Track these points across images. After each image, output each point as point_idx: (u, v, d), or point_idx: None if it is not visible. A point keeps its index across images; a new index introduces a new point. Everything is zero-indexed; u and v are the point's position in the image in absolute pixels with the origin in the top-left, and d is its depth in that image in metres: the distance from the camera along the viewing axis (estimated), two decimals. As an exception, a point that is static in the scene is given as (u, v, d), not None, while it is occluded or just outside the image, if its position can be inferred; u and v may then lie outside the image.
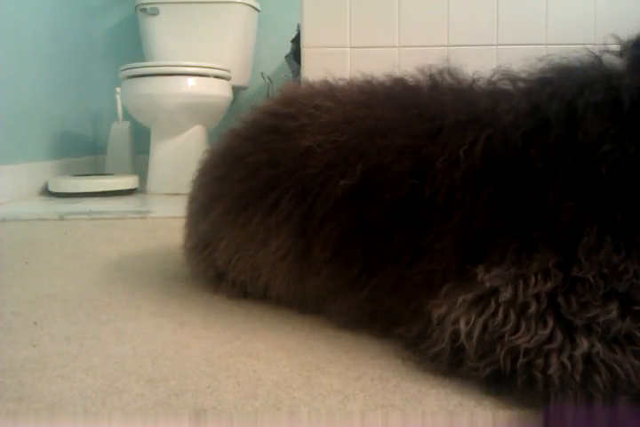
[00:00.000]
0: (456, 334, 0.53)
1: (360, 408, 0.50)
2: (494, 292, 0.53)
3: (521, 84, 0.63)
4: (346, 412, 0.49)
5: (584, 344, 0.48)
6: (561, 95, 0.57)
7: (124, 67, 2.25)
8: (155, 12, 2.55)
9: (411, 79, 0.73)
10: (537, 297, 0.51)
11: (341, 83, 0.81)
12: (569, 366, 0.47)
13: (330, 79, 0.83)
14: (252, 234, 0.75)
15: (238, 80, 2.59)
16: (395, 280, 0.62)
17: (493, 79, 0.66)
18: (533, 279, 0.52)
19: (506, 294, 0.52)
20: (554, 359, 0.48)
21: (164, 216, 1.67)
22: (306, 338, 0.66)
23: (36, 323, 0.73)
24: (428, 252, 0.60)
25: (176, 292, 0.86)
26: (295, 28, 2.31)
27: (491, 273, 0.54)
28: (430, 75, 0.72)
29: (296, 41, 2.23)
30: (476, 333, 0.52)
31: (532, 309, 0.51)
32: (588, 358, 0.47)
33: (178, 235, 1.36)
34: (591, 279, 0.50)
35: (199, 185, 0.89)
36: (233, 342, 0.66)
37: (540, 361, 0.48)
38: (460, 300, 0.55)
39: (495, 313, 0.52)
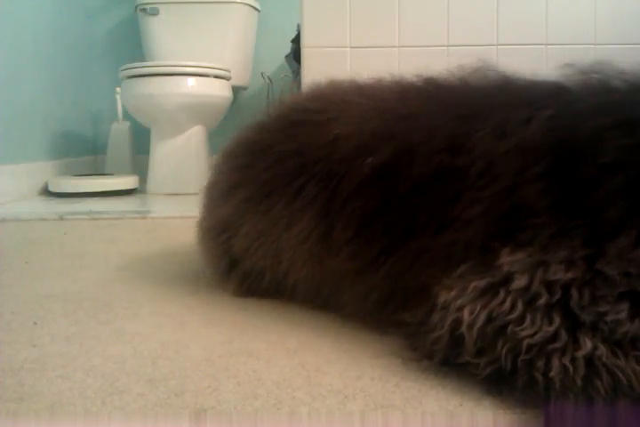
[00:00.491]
0: (457, 322, 0.53)
1: (360, 408, 0.50)
2: (508, 279, 0.52)
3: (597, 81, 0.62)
4: (346, 412, 0.49)
5: (587, 345, 0.47)
6: None
7: (124, 67, 2.25)
8: (155, 12, 2.55)
9: (443, 78, 0.73)
10: (550, 287, 0.51)
11: (370, 82, 0.82)
12: (571, 369, 0.47)
13: (357, 78, 0.83)
14: (274, 220, 0.75)
15: (238, 80, 2.59)
16: (414, 255, 0.61)
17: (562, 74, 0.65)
18: (554, 267, 0.51)
19: (519, 282, 0.51)
20: (555, 361, 0.47)
21: (164, 216, 1.67)
22: (306, 338, 0.66)
23: (35, 323, 0.73)
24: (453, 221, 0.59)
25: (176, 292, 0.86)
26: (295, 28, 2.31)
27: (513, 257, 0.53)
28: (464, 73, 0.72)
29: (296, 41, 2.23)
30: (479, 324, 0.51)
31: (542, 300, 0.50)
32: (590, 362, 0.47)
33: (178, 235, 1.36)
34: (615, 276, 0.50)
35: (220, 172, 0.89)
36: (233, 342, 0.66)
37: (540, 363, 0.48)
38: (471, 286, 0.54)
39: (503, 302, 0.51)
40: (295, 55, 2.22)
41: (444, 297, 0.55)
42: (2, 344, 0.66)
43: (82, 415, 0.49)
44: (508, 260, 0.53)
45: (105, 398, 0.52)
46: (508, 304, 0.51)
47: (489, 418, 0.48)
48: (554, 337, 0.48)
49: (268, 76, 2.75)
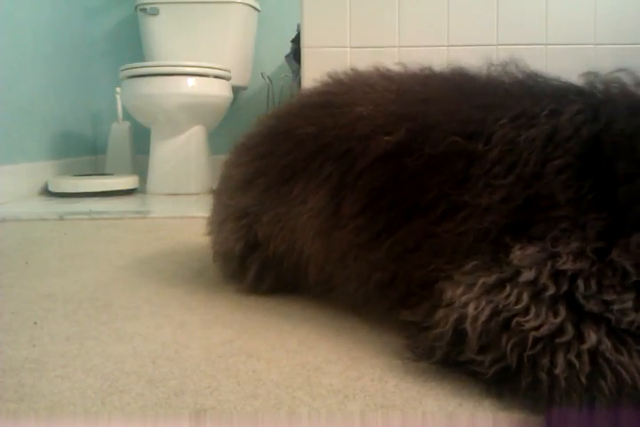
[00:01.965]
0: (461, 317, 0.52)
1: (360, 408, 0.50)
2: (516, 274, 0.52)
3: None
4: (346, 412, 0.49)
5: (592, 339, 0.47)
6: None
7: (123, 67, 2.25)
8: (155, 12, 2.55)
9: (470, 70, 0.74)
10: (557, 278, 0.50)
11: (394, 69, 0.83)
12: (576, 366, 0.46)
13: (379, 67, 0.84)
14: (293, 201, 0.75)
15: (238, 80, 2.59)
16: (418, 238, 0.61)
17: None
18: (563, 258, 0.51)
19: (527, 275, 0.51)
20: (560, 357, 0.47)
21: (164, 216, 1.67)
22: (306, 338, 0.66)
23: (35, 323, 0.73)
24: (462, 207, 0.59)
25: (176, 292, 0.86)
26: (295, 28, 2.30)
27: (524, 251, 0.53)
28: (491, 68, 0.72)
29: (296, 41, 2.23)
30: (483, 318, 0.51)
31: (549, 292, 0.50)
32: (594, 358, 0.47)
33: (178, 235, 1.36)
34: (627, 267, 0.49)
35: (236, 165, 0.89)
36: (233, 342, 0.66)
37: (545, 360, 0.47)
38: (479, 282, 0.53)
39: (509, 295, 0.51)
40: (295, 55, 2.22)
41: (450, 294, 0.55)
42: (2, 344, 0.66)
43: (82, 415, 0.49)
44: (519, 254, 0.53)
45: (105, 398, 0.52)
46: (513, 297, 0.51)
47: (489, 419, 0.48)
48: (560, 330, 0.48)
49: (268, 76, 2.75)
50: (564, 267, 0.51)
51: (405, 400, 0.51)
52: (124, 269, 1.01)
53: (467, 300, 0.53)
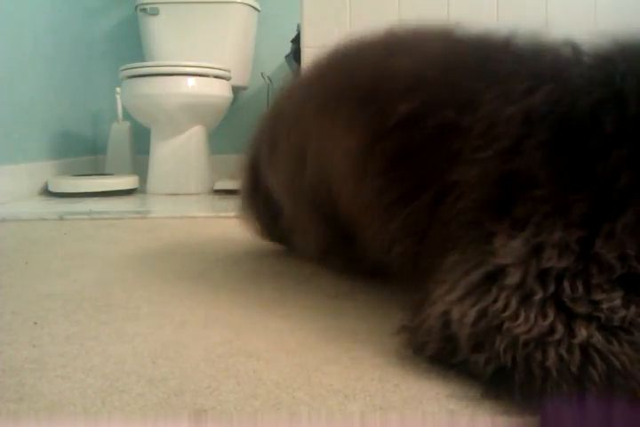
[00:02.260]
0: (447, 318, 0.52)
1: (360, 409, 0.50)
2: (501, 273, 0.52)
3: (587, 57, 0.62)
4: (346, 412, 0.49)
5: (583, 334, 0.47)
6: (633, 73, 0.55)
7: (123, 67, 2.25)
8: (155, 12, 2.55)
9: (493, 35, 0.73)
10: (544, 279, 0.50)
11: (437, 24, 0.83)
12: (566, 358, 0.47)
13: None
14: (333, 132, 0.76)
15: (238, 80, 2.59)
16: (426, 214, 0.61)
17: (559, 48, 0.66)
18: (548, 253, 0.51)
19: (513, 278, 0.51)
20: (552, 352, 0.47)
21: (164, 216, 1.67)
22: (306, 338, 0.66)
23: (35, 323, 0.73)
24: (452, 188, 0.59)
25: (176, 292, 0.86)
26: (295, 28, 2.31)
27: (507, 244, 0.52)
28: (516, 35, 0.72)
29: (296, 41, 2.23)
30: (469, 321, 0.51)
31: (536, 296, 0.50)
32: (585, 349, 0.47)
33: (178, 235, 1.36)
34: (612, 260, 0.49)
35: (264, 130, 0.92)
36: (233, 342, 0.66)
37: (538, 355, 0.47)
38: (463, 281, 0.53)
39: (496, 300, 0.51)
40: (295, 55, 2.22)
41: (437, 292, 0.55)
42: (2, 344, 0.66)
43: (82, 415, 0.49)
44: (502, 249, 0.52)
45: (105, 398, 0.52)
46: (501, 302, 0.51)
47: (487, 419, 0.48)
48: (550, 331, 0.48)
49: (268, 76, 2.75)
50: (549, 264, 0.50)
51: (405, 400, 0.51)
52: (124, 269, 1.01)
53: (450, 301, 0.53)
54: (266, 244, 1.12)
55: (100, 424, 0.48)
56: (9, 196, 2.02)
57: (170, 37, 2.57)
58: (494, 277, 0.52)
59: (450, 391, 0.52)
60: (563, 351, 0.47)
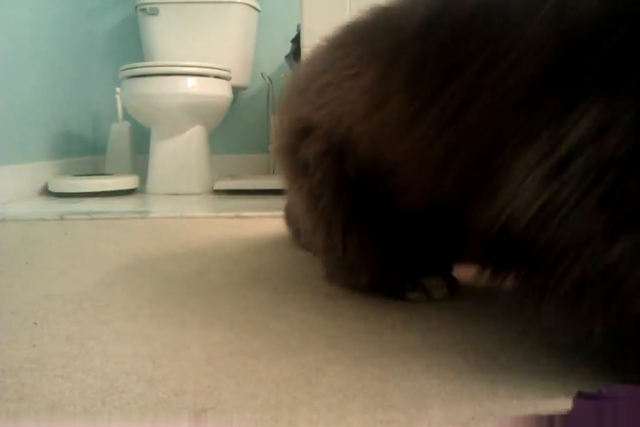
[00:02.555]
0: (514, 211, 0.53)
1: (360, 408, 0.50)
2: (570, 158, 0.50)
3: None
4: (346, 412, 0.49)
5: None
6: None
7: (123, 67, 2.25)
8: (155, 12, 2.55)
9: None
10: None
11: None
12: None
13: None
14: (345, 71, 0.76)
15: (238, 80, 2.59)
16: (464, 97, 0.60)
17: None
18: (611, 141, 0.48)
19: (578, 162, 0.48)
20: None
21: (164, 216, 1.67)
22: (306, 338, 0.66)
23: (35, 323, 0.73)
24: (508, 53, 0.57)
25: (176, 292, 0.86)
26: (295, 28, 2.31)
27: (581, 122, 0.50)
28: None
29: (296, 41, 2.23)
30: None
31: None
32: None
33: (178, 235, 1.36)
34: None
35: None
36: (233, 342, 0.66)
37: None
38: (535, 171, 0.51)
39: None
40: (295, 55, 2.22)
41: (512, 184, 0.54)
42: (2, 344, 0.66)
43: (82, 415, 0.49)
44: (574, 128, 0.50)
45: (105, 398, 0.52)
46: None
47: (489, 420, 0.48)
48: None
49: (268, 76, 2.75)
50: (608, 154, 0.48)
51: (405, 400, 0.51)
52: (124, 270, 1.01)
53: (525, 188, 0.51)
54: (266, 244, 1.12)
55: (100, 424, 0.48)
56: (9, 196, 2.02)
57: (170, 37, 2.57)
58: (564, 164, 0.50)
59: (452, 390, 0.52)
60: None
